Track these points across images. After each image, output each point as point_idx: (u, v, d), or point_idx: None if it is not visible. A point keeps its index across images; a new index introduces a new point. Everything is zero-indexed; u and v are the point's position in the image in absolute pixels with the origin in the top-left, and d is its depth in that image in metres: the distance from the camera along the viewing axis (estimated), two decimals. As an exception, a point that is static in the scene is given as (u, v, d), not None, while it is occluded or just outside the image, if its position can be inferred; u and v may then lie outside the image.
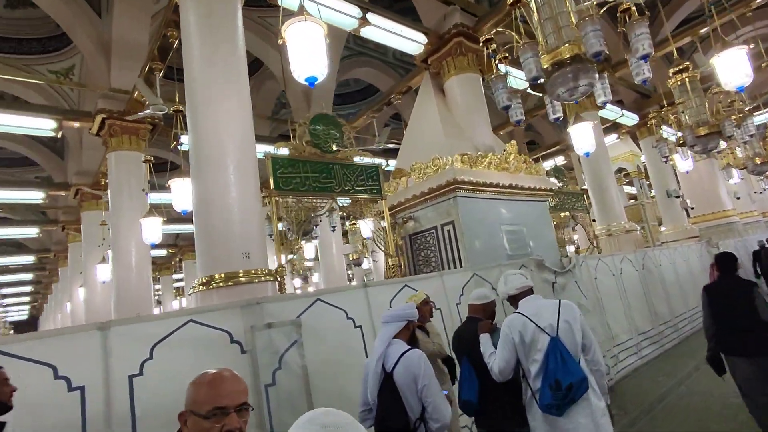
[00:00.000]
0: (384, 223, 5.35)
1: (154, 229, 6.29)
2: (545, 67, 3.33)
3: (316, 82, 2.88)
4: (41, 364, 2.68)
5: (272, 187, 4.21)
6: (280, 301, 3.66)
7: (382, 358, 2.38)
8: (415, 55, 6.83)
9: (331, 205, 4.72)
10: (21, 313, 34.88)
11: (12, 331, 27.56)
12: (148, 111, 5.94)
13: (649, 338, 7.90)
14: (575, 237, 10.16)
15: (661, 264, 9.07)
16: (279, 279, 3.96)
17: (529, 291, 2.81)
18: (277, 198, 4.27)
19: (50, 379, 2.68)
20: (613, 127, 12.96)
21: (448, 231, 5.51)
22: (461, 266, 5.37)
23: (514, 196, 6.18)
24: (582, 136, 5.70)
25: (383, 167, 5.31)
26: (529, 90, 3.73)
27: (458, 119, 6.61)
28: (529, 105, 11.70)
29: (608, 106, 10.58)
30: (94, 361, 2.85)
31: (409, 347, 2.40)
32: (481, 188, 5.64)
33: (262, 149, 4.72)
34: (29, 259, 16.72)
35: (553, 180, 7.68)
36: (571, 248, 14.18)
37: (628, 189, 16.13)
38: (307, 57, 2.79)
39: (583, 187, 10.50)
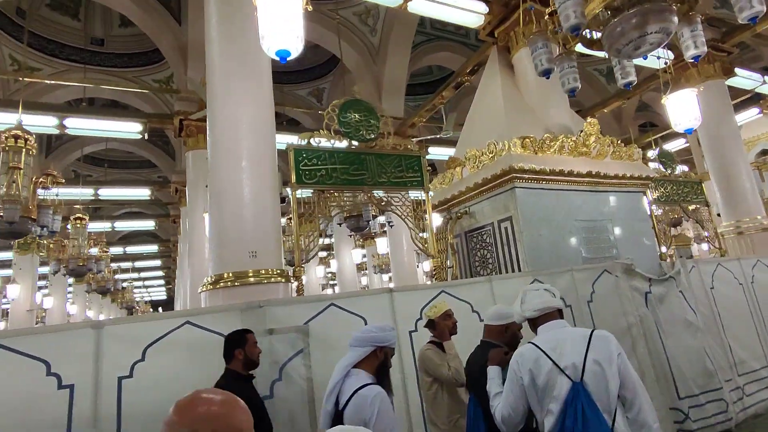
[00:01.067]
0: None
1: (216, 224, 6.48)
2: (597, 12, 2.49)
3: (288, 58, 2.47)
4: (36, 359, 2.70)
5: (293, 180, 3.92)
6: (286, 305, 3.35)
7: (335, 391, 1.90)
8: (477, 28, 6.04)
9: (361, 198, 4.29)
10: (161, 294, 40.60)
11: (151, 310, 32.28)
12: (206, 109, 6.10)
13: (796, 367, 6.10)
14: (705, 233, 8.29)
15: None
16: (294, 280, 3.66)
17: (554, 314, 2.08)
18: (314, 193, 3.98)
19: (42, 376, 2.69)
20: (754, 98, 10.46)
21: (506, 228, 4.73)
22: (520, 270, 4.57)
23: (596, 186, 5.12)
24: (681, 107, 4.41)
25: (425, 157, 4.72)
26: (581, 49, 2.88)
27: (527, 97, 5.69)
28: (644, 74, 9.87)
29: (741, 71, 8.51)
30: (86, 360, 2.80)
31: (370, 382, 1.87)
32: (547, 177, 4.73)
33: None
34: (154, 248, 19.14)
35: (656, 166, 6.29)
36: (704, 247, 11.83)
37: (777, 175, 13.00)
38: (279, 27, 2.37)
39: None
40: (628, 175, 5.30)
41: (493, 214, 4.91)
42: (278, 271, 3.53)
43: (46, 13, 10.50)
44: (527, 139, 4.71)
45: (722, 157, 7.60)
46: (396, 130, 9.95)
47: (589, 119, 5.13)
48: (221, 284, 3.36)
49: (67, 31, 10.78)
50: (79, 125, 7.24)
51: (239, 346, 2.50)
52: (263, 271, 3.45)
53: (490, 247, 4.96)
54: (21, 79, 9.59)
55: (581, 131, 5.07)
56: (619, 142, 5.36)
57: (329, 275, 18.79)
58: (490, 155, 4.85)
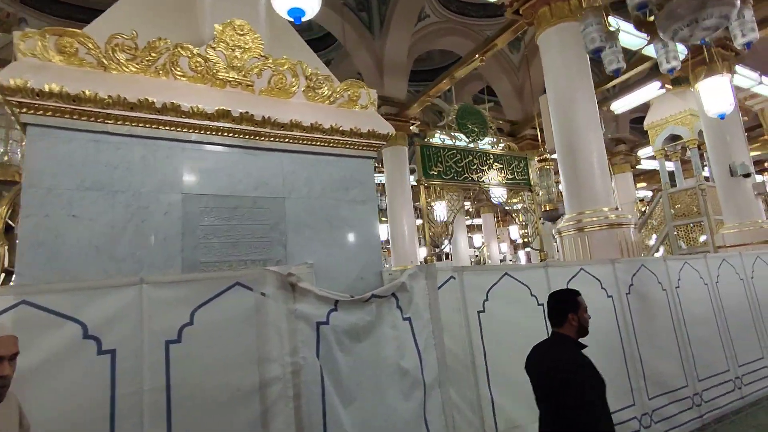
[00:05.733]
0: None
1: None
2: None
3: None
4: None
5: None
6: None
7: None
8: None
9: None
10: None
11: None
12: None
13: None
14: (558, 229, 6.09)
15: (679, 285, 5.15)
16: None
17: None
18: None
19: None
20: (655, 72, 8.59)
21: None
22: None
23: (257, 141, 3.01)
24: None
25: None
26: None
27: None
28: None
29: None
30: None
31: None
32: (120, 113, 2.58)
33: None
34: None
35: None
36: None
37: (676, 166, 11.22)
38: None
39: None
40: (332, 127, 3.20)
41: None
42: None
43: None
44: (70, 39, 2.51)
45: (566, 128, 5.59)
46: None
47: (238, 21, 2.97)
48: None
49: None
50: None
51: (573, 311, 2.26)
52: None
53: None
54: None
55: (214, 39, 2.91)
56: (317, 72, 3.25)
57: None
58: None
